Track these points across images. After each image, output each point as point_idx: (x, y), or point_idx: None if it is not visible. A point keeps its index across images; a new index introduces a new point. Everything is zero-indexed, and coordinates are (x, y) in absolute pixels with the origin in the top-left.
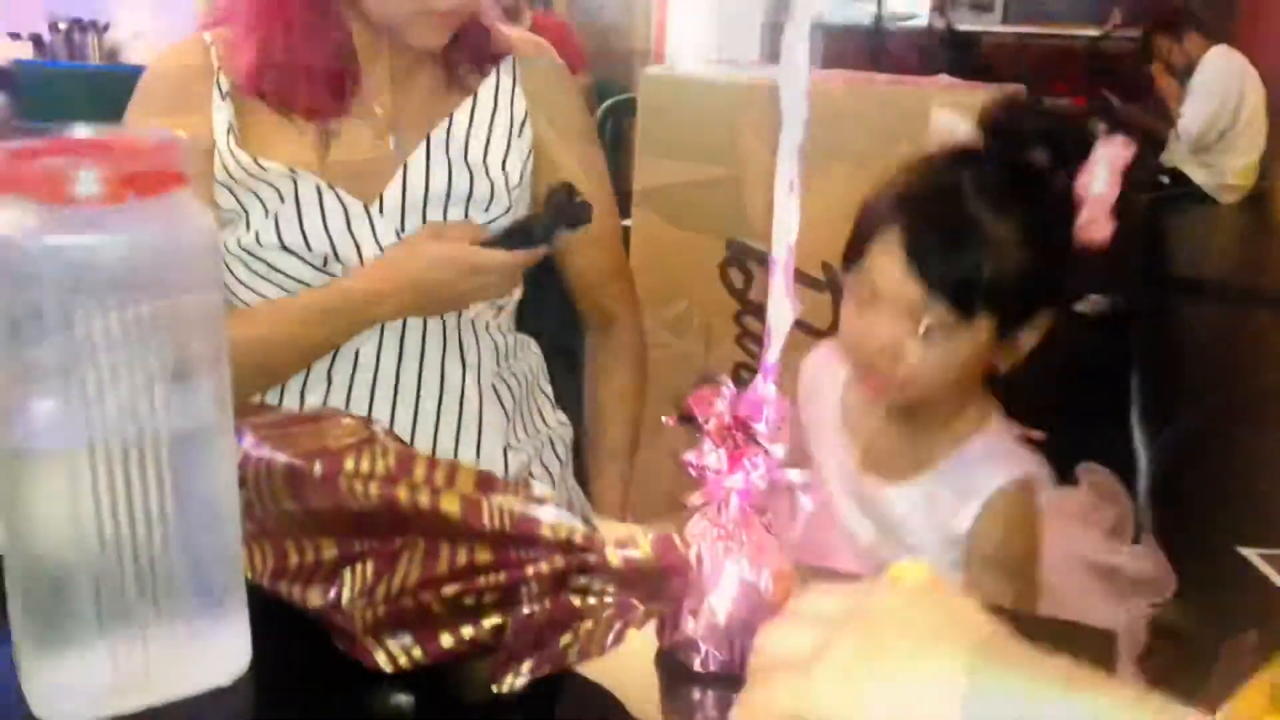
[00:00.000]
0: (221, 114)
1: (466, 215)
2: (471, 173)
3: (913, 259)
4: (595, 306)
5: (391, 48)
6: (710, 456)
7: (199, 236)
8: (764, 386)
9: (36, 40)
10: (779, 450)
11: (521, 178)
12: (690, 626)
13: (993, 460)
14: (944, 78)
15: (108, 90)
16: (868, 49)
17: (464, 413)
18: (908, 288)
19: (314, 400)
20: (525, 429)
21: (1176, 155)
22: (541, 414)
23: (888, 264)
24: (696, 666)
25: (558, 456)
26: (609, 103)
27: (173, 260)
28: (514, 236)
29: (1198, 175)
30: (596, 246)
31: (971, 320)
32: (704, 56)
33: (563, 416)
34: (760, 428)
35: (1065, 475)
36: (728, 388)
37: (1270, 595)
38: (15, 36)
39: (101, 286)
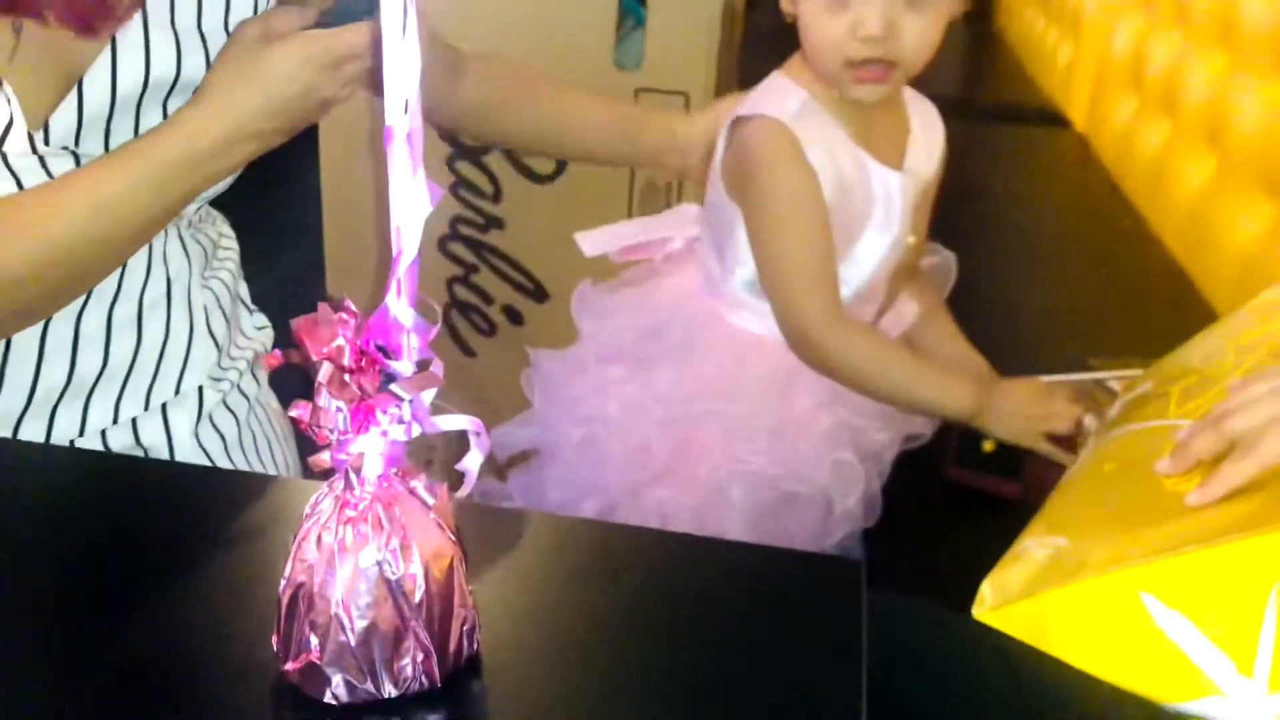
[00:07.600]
0: None
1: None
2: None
3: None
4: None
5: None
6: (329, 412)
7: None
8: (397, 304)
9: None
10: (426, 394)
11: None
12: (314, 646)
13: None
14: None
15: None
16: None
17: (167, 347)
18: None
19: None
20: (230, 353)
21: None
22: (242, 328)
23: None
24: (327, 698)
25: (256, 379)
26: None
27: None
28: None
29: None
30: None
31: None
32: None
33: (260, 319)
34: (401, 366)
35: None
36: (347, 311)
37: None
38: None
39: None
